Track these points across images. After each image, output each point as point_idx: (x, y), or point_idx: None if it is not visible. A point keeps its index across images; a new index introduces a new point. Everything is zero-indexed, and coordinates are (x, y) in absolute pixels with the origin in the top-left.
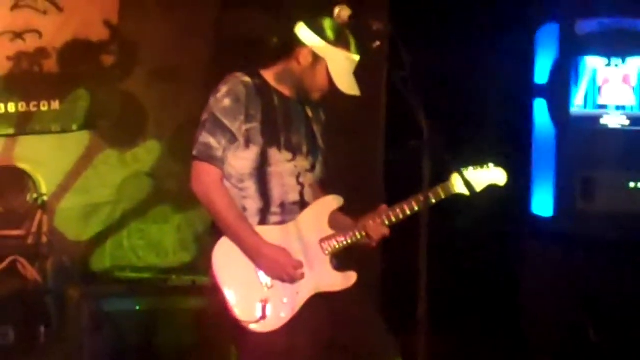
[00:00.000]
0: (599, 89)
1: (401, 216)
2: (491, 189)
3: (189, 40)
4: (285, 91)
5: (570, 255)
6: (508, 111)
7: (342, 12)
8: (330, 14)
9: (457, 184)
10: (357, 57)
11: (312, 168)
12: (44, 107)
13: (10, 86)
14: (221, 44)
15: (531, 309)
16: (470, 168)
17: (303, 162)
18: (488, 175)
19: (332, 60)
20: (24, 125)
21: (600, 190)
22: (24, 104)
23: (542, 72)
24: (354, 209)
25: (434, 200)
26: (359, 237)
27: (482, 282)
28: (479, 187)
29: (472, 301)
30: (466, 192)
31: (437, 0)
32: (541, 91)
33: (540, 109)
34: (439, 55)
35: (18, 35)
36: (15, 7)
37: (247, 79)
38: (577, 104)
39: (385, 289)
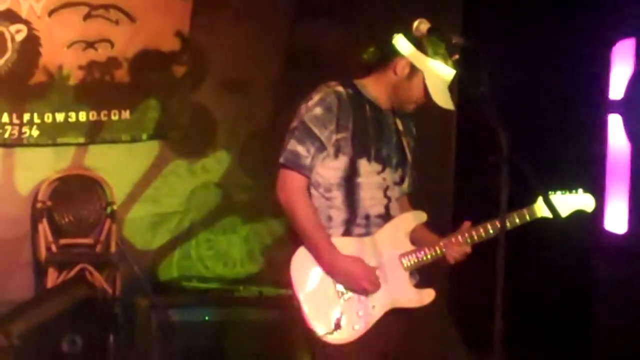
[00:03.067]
0: None
1: (484, 235)
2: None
3: (260, 51)
4: (379, 102)
5: None
6: (583, 127)
7: (421, 25)
8: (409, 28)
9: (543, 208)
10: (453, 71)
11: (401, 181)
12: (114, 117)
13: (81, 95)
14: (293, 56)
15: (604, 326)
16: (559, 192)
17: (392, 175)
18: (576, 201)
19: (429, 72)
20: (94, 134)
21: None
22: (94, 113)
23: (617, 88)
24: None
25: (518, 222)
26: (439, 253)
27: (555, 299)
28: (565, 212)
29: (545, 318)
30: (550, 215)
31: (511, 16)
32: (616, 107)
33: (615, 124)
34: (512, 72)
35: (90, 44)
36: (87, 16)
37: (340, 88)
38: None
39: (457, 307)
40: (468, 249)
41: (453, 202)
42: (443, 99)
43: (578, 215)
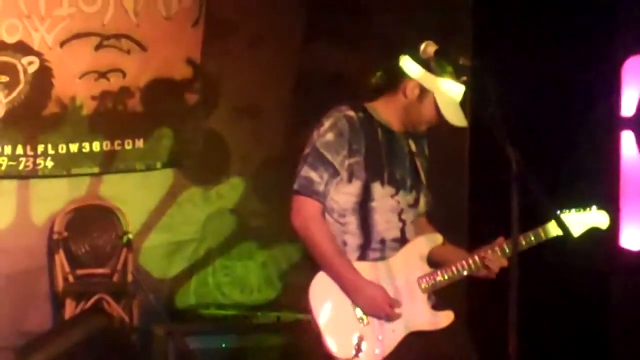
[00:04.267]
0: None
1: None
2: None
3: (271, 77)
4: (390, 124)
5: None
6: (595, 144)
7: (428, 48)
8: (416, 50)
9: (556, 227)
10: (462, 88)
11: (415, 203)
12: (128, 146)
13: (94, 125)
14: (305, 80)
15: (621, 344)
16: (573, 210)
17: (406, 197)
18: (590, 218)
19: (439, 91)
20: (108, 164)
21: None
22: (108, 142)
23: (629, 105)
24: None
25: (534, 241)
26: (466, 270)
27: (571, 317)
28: (579, 230)
29: (561, 337)
30: (566, 234)
31: (521, 35)
32: (628, 123)
33: (628, 141)
34: (524, 90)
35: (102, 74)
36: (99, 46)
37: (351, 112)
38: None
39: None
40: (505, 262)
41: (468, 223)
42: (455, 117)
43: (594, 233)
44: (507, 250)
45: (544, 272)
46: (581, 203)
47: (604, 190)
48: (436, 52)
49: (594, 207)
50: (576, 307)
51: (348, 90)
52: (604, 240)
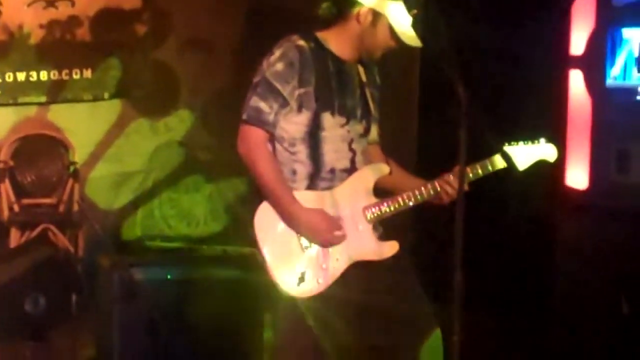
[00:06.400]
0: (636, 60)
1: (472, 177)
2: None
3: (222, 9)
4: (343, 53)
5: (604, 227)
6: (543, 82)
7: None
8: None
9: (503, 160)
10: (414, 11)
11: (366, 132)
12: (76, 76)
13: (42, 54)
14: (256, 13)
15: (565, 281)
16: (521, 143)
17: (356, 127)
18: (538, 151)
19: (392, 15)
20: (56, 93)
21: (635, 162)
22: (56, 72)
23: (578, 44)
24: None
25: (481, 173)
26: (412, 201)
27: (515, 255)
28: (528, 162)
29: (505, 273)
30: (511, 166)
31: None
32: (577, 62)
33: (576, 80)
34: (474, 27)
35: (51, 3)
36: None
37: (302, 42)
38: (614, 76)
39: (419, 260)
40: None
41: (417, 152)
42: (410, 38)
43: (541, 170)
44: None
45: (490, 209)
46: (529, 138)
47: (552, 129)
48: None
49: (542, 140)
50: (522, 245)
51: (299, 23)
52: (550, 179)
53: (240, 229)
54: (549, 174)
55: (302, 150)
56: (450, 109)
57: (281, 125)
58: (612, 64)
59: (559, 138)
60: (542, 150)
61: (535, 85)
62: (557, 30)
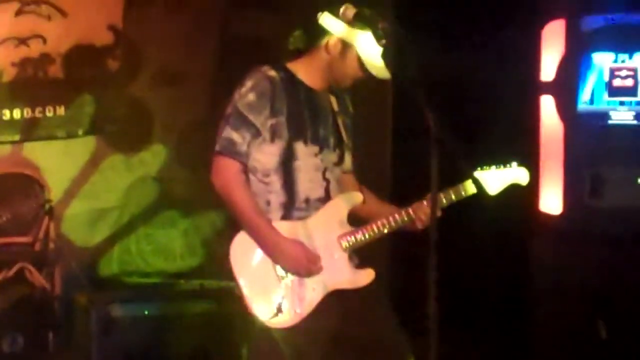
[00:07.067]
0: (606, 85)
1: (445, 202)
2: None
3: (194, 42)
4: (314, 83)
5: (579, 251)
6: (515, 109)
7: (347, 11)
8: (336, 12)
9: (474, 185)
10: (384, 40)
11: (340, 161)
12: (49, 113)
13: (15, 92)
14: (228, 45)
15: (540, 306)
16: (493, 167)
17: (330, 155)
18: (510, 174)
19: (361, 45)
20: (29, 131)
21: (608, 187)
22: (29, 109)
23: (548, 70)
24: None
25: (454, 198)
26: (387, 228)
27: (490, 281)
28: (499, 186)
29: (480, 299)
30: (481, 192)
31: (441, 1)
32: (548, 88)
33: (547, 106)
34: (443, 54)
35: (22, 41)
36: (19, 12)
37: (272, 72)
38: (584, 101)
39: (394, 287)
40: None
41: (391, 182)
42: (379, 70)
43: (514, 195)
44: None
45: (465, 235)
46: (502, 163)
47: (524, 155)
48: (355, 15)
49: (514, 164)
50: (497, 272)
51: (271, 54)
52: (523, 204)
53: (217, 263)
54: (523, 200)
55: (275, 181)
56: (422, 135)
57: (254, 156)
58: (583, 89)
59: (532, 163)
60: (514, 174)
61: (507, 111)
62: (527, 56)
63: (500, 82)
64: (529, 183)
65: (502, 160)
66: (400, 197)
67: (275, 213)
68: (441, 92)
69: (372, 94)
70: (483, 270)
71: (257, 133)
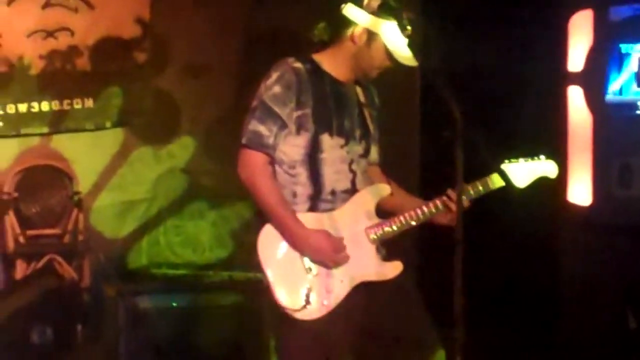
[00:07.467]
0: (635, 75)
1: (473, 194)
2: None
3: (221, 35)
4: (340, 74)
5: (608, 242)
6: (543, 100)
7: (372, 2)
8: (360, 4)
9: (502, 177)
10: (408, 31)
11: (366, 153)
12: (77, 105)
13: (43, 85)
14: (254, 38)
15: (570, 297)
16: (521, 160)
17: (356, 147)
18: (539, 167)
19: (386, 34)
20: (58, 123)
21: (637, 177)
22: (57, 102)
23: (576, 60)
24: None
25: (482, 190)
26: (414, 220)
27: (519, 272)
28: (528, 179)
29: (510, 292)
30: (508, 184)
31: None
32: (576, 79)
33: (575, 96)
34: (471, 45)
35: (50, 33)
36: (46, 5)
37: (298, 64)
38: (613, 91)
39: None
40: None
41: (420, 171)
42: (405, 58)
43: (543, 187)
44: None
45: (494, 227)
46: (529, 155)
47: (552, 145)
48: (380, 6)
49: (542, 157)
50: (525, 262)
51: (298, 46)
52: (552, 195)
53: (245, 254)
54: (551, 191)
55: (302, 173)
56: (450, 126)
57: (280, 148)
58: (611, 79)
59: (560, 155)
60: (543, 167)
61: (535, 102)
62: (554, 47)
63: (528, 73)
64: (558, 174)
65: (530, 152)
66: (430, 188)
67: (302, 205)
68: (468, 83)
69: (400, 84)
70: (512, 262)
71: (283, 125)
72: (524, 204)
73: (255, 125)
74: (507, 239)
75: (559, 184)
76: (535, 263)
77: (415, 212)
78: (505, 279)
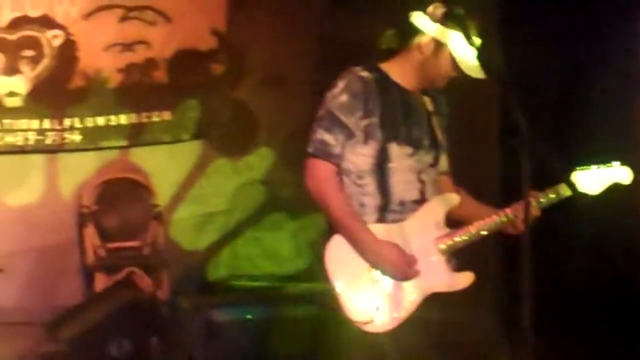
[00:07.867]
0: None
1: (546, 202)
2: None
3: (297, 45)
4: (407, 83)
5: None
6: (617, 105)
7: (437, 10)
8: (426, 13)
9: (573, 185)
10: (478, 40)
11: (435, 162)
12: (155, 118)
13: (121, 98)
14: (329, 47)
15: None
16: (593, 167)
17: (425, 157)
18: (612, 174)
19: (453, 44)
20: (136, 136)
21: None
22: (135, 115)
23: None
24: None
25: (555, 198)
26: (485, 230)
27: (596, 282)
28: (601, 186)
29: (586, 301)
30: (575, 193)
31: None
32: None
33: None
34: (546, 53)
35: (127, 47)
36: (123, 19)
37: (365, 73)
38: None
39: (497, 292)
40: (537, 213)
41: (500, 183)
42: (472, 69)
43: (619, 196)
44: (534, 204)
45: (568, 236)
46: (603, 162)
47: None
48: (444, 15)
49: (616, 163)
50: (601, 272)
51: (371, 55)
52: (627, 203)
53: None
54: (626, 199)
55: (370, 183)
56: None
57: (348, 157)
58: None
59: (635, 161)
60: (616, 173)
61: (610, 107)
62: (630, 50)
63: (603, 78)
64: (636, 181)
65: (603, 159)
66: (510, 197)
67: (370, 216)
68: (543, 89)
69: (477, 92)
70: (588, 271)
71: (350, 134)
72: (599, 211)
73: (322, 134)
74: (583, 247)
75: (635, 190)
76: (612, 271)
77: (485, 222)
78: (582, 288)
